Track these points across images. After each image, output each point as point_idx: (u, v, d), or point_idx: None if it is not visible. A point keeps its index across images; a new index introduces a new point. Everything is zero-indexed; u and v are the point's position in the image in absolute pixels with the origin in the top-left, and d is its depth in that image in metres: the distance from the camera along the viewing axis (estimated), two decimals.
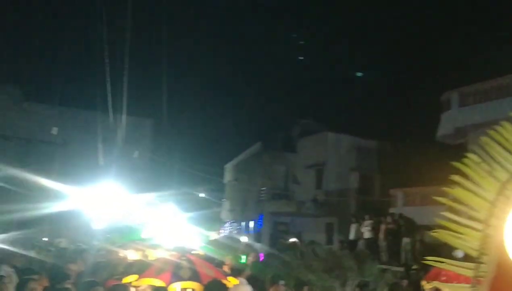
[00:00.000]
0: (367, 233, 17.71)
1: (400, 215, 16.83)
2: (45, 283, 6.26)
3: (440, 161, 18.85)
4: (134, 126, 28.53)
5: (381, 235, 16.89)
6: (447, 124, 19.19)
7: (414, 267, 13.18)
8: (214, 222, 37.16)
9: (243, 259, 14.97)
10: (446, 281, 7.86)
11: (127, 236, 17.04)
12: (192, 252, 9.40)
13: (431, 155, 19.86)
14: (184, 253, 7.57)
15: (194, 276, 6.66)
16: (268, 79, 55.56)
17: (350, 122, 29.71)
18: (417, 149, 21.87)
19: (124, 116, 21.78)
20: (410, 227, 16.25)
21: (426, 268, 11.63)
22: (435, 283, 8.02)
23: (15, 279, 6.74)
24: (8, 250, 8.10)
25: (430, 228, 18.07)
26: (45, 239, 20.97)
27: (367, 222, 17.91)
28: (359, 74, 39.05)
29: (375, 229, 17.47)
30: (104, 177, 21.12)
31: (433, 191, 18.68)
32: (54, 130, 29.92)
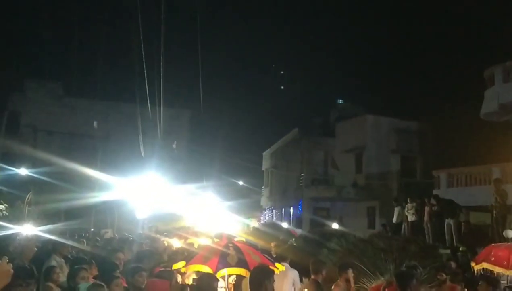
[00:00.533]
0: (410, 216, 17.38)
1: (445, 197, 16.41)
2: (95, 271, 6.42)
3: (484, 140, 18.31)
4: (173, 117, 28.91)
5: (426, 217, 16.54)
6: (491, 101, 18.52)
7: (461, 248, 12.86)
8: (254, 209, 37.38)
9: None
10: (496, 262, 7.66)
11: (170, 224, 17.36)
12: (236, 238, 9.43)
13: (475, 134, 19.29)
14: (228, 239, 7.59)
15: (241, 262, 6.67)
16: (304, 63, 55.03)
17: (389, 104, 29.06)
18: (460, 128, 21.25)
19: (162, 108, 22.04)
20: (454, 208, 15.84)
21: (474, 250, 11.36)
22: (485, 264, 7.81)
23: (66, 269, 6.94)
24: (57, 241, 8.33)
25: (476, 208, 17.68)
26: (91, 229, 21.60)
27: (410, 205, 17.56)
28: (396, 54, 38.16)
29: (418, 212, 17.13)
30: (145, 168, 21.51)
31: (478, 170, 18.18)
32: (95, 124, 30.70)
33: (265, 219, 36.05)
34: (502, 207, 13.75)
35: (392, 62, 39.38)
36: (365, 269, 8.51)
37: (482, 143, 17.96)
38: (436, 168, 21.27)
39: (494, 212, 14.00)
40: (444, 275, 7.13)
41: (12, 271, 2.83)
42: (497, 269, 7.55)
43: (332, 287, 7.72)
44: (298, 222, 29.23)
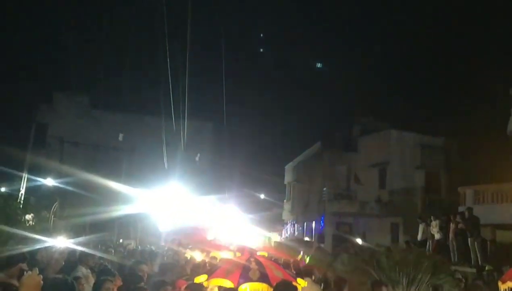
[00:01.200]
0: (435, 234, 17.10)
1: (470, 214, 16.09)
2: (119, 283, 6.49)
3: (510, 157, 17.92)
4: (196, 130, 29.14)
5: (451, 235, 16.25)
6: None
7: (487, 268, 12.59)
8: (275, 222, 37.26)
9: (307, 260, 14.93)
10: None
11: (192, 237, 17.42)
12: (258, 253, 9.43)
13: (501, 151, 18.95)
14: (250, 253, 7.58)
15: (263, 277, 6.66)
16: (327, 78, 55.00)
17: (413, 119, 28.79)
18: (486, 145, 20.90)
19: (185, 121, 22.27)
20: (479, 226, 15.54)
21: (500, 269, 11.11)
22: (511, 284, 7.65)
23: (92, 279, 7.04)
24: (83, 252, 8.46)
25: (502, 226, 17.30)
26: (118, 240, 21.81)
27: (435, 222, 17.29)
28: (422, 70, 37.87)
29: (443, 229, 16.84)
30: (168, 180, 21.71)
31: (505, 188, 17.81)
32: (121, 137, 31.16)
33: (287, 233, 35.88)
34: None
35: (418, 78, 39.09)
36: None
37: (508, 160, 17.61)
38: (461, 185, 20.93)
39: None
40: None
41: (42, 282, 2.91)
42: None
43: None
44: (320, 237, 28.99)
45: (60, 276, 5.26)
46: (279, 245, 17.21)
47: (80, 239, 13.28)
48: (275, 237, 31.84)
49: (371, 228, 27.38)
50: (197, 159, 32.56)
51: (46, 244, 9.53)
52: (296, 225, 35.61)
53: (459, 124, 25.69)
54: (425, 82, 36.18)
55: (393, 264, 8.88)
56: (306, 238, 27.79)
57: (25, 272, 2.97)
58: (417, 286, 8.59)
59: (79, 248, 9.41)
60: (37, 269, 3.02)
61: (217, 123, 34.73)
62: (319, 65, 60.49)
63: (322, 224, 30.45)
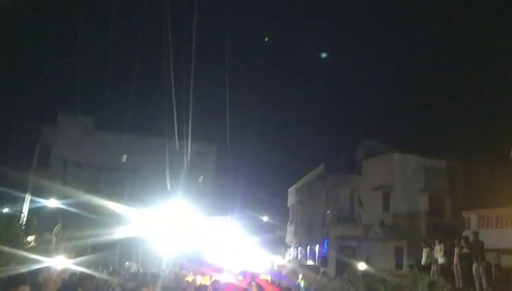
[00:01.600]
0: (440, 258, 16.90)
1: (476, 238, 15.91)
2: None
3: None
4: (199, 151, 29.17)
5: (455, 260, 16.05)
6: None
7: None
8: (279, 245, 37.02)
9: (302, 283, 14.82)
10: None
11: (194, 260, 17.31)
12: (260, 276, 9.36)
13: (507, 175, 18.85)
14: (252, 277, 7.53)
15: None
16: (330, 101, 55.29)
17: (417, 142, 28.78)
18: (491, 169, 20.81)
19: (189, 142, 22.32)
20: (481, 250, 15.36)
21: None
22: None
23: None
24: (83, 274, 8.38)
25: (507, 251, 17.11)
26: (126, 263, 21.66)
27: (439, 246, 17.10)
28: (425, 92, 37.98)
29: (447, 253, 16.65)
30: (171, 201, 21.66)
31: (510, 212, 17.68)
32: (124, 158, 31.20)
33: (290, 256, 35.58)
34: None
35: (421, 101, 39.19)
36: None
37: None
38: (466, 209, 20.81)
39: None
40: None
41: None
42: None
43: None
44: (323, 261, 28.74)
45: None
46: (282, 268, 17.08)
47: (82, 260, 13.21)
48: (278, 260, 31.59)
49: (375, 251, 27.11)
50: (200, 180, 32.50)
51: (46, 265, 9.46)
52: (299, 248, 35.32)
53: (463, 147, 25.65)
54: (429, 105, 36.24)
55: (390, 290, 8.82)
56: (310, 262, 27.56)
57: None
58: None
59: (80, 270, 9.34)
60: (28, 287, 2.98)
61: (221, 145, 34.79)
62: (322, 86, 60.85)
63: (326, 248, 30.20)
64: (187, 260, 18.04)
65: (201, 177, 32.49)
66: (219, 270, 13.03)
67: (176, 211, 20.24)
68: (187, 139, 20.30)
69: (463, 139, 26.33)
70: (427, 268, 17.41)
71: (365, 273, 14.26)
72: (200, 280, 12.15)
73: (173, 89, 17.55)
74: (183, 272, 13.63)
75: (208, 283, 11.38)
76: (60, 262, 11.07)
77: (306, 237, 34.01)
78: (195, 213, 22.64)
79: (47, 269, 9.43)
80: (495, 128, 22.91)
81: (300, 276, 16.84)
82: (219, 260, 16.49)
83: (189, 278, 12.57)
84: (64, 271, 10.41)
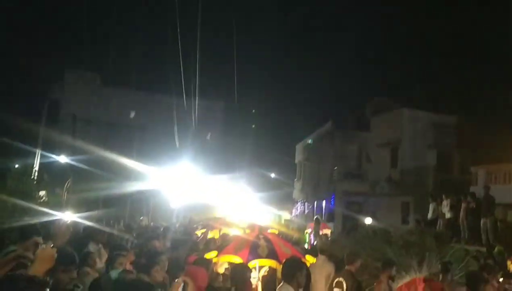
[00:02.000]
0: (447, 213, 17.06)
1: (486, 193, 15.98)
2: (132, 258, 6.58)
3: None
4: (207, 109, 29.12)
5: (462, 215, 16.21)
6: None
7: (498, 248, 12.58)
8: (286, 201, 37.43)
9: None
10: None
11: (203, 214, 17.58)
12: (269, 230, 9.50)
13: None
14: (259, 231, 7.64)
15: (272, 254, 6.72)
16: (339, 57, 54.55)
17: (426, 98, 28.50)
18: (500, 124, 20.65)
19: (196, 99, 22.26)
20: (491, 206, 15.46)
21: (510, 248, 11.10)
22: None
23: (104, 254, 7.14)
24: (94, 228, 8.55)
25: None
26: (134, 218, 22.07)
27: (446, 201, 17.23)
28: (435, 48, 37.30)
29: (454, 208, 16.79)
30: (179, 158, 21.81)
31: None
32: (132, 114, 31.28)
33: (297, 211, 36.07)
34: None
35: (430, 56, 38.57)
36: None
37: None
38: (474, 164, 20.80)
39: None
40: (486, 275, 7.00)
41: (55, 255, 2.95)
42: None
43: (375, 284, 7.73)
44: (330, 216, 29.12)
45: (69, 249, 5.35)
46: (288, 222, 17.31)
47: (93, 214, 13.46)
48: (286, 215, 32.03)
49: (381, 207, 27.38)
50: (208, 137, 32.62)
51: (58, 218, 9.65)
52: (306, 204, 35.75)
53: (473, 102, 25.38)
54: (438, 60, 35.68)
55: (397, 249, 8.90)
56: (316, 217, 27.89)
57: (39, 246, 3.01)
58: (428, 265, 8.60)
59: (91, 224, 9.54)
60: (51, 242, 3.06)
61: (229, 102, 34.70)
62: (332, 43, 59.94)
63: (332, 203, 30.54)
64: (196, 214, 18.33)
65: (209, 134, 32.60)
66: (227, 224, 13.21)
67: (185, 167, 20.42)
68: (194, 96, 20.26)
69: (472, 94, 26.04)
70: (433, 222, 17.62)
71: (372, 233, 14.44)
72: (209, 234, 12.37)
73: (179, 45, 17.37)
74: (193, 226, 13.87)
75: (217, 236, 11.60)
76: (71, 216, 11.29)
77: (313, 193, 34.34)
78: (204, 169, 22.84)
79: (58, 221, 9.63)
80: (505, 83, 22.58)
81: (309, 230, 17.10)
82: (227, 215, 16.69)
83: (199, 232, 12.80)
84: (73, 224, 10.61)
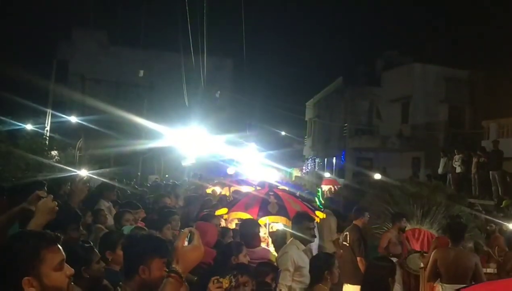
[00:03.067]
0: (457, 167, 17.05)
1: (495, 147, 15.88)
2: (142, 215, 6.66)
3: None
4: (216, 66, 28.89)
5: (473, 169, 16.20)
6: None
7: (505, 201, 12.62)
8: (296, 159, 37.59)
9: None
10: None
11: (214, 172, 17.73)
12: (279, 187, 9.55)
13: None
14: (270, 188, 7.68)
15: (282, 211, 6.77)
16: (349, 11, 53.31)
17: (438, 52, 27.95)
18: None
19: (205, 57, 22.01)
20: (500, 159, 15.43)
21: None
22: None
23: (114, 212, 7.25)
24: (105, 185, 8.63)
25: None
26: (139, 174, 22.34)
27: (458, 156, 17.18)
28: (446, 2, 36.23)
29: (465, 163, 16.76)
30: (189, 117, 21.82)
31: None
32: (141, 73, 31.15)
33: (308, 168, 36.24)
34: None
35: (442, 10, 37.55)
36: (390, 211, 8.57)
37: None
38: (486, 119, 20.59)
39: None
40: (493, 225, 7.06)
41: (57, 208, 2.95)
42: None
43: (383, 234, 7.84)
44: (340, 172, 29.20)
45: (68, 205, 5.42)
46: (299, 179, 17.41)
47: (104, 172, 13.62)
48: (297, 173, 32.21)
49: (392, 162, 27.34)
50: (217, 95, 32.49)
51: (76, 175, 9.75)
52: (316, 161, 35.85)
53: (485, 56, 24.86)
54: (449, 14, 34.76)
55: (407, 197, 8.95)
56: (327, 173, 28.01)
57: (41, 198, 3.01)
58: (432, 218, 8.67)
59: (103, 180, 9.65)
60: (51, 195, 3.06)
61: (237, 60, 34.36)
62: None
63: (343, 160, 30.57)
64: (207, 172, 18.49)
65: (218, 92, 32.45)
66: (238, 182, 13.32)
67: (195, 126, 20.45)
68: (202, 54, 20.04)
69: (484, 48, 25.47)
70: (443, 177, 17.64)
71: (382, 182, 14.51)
72: (220, 191, 12.50)
73: (187, 2, 17.03)
74: (204, 183, 14.00)
75: (228, 194, 11.72)
76: (86, 172, 11.42)
77: (323, 149, 34.38)
78: (214, 127, 22.86)
79: (73, 178, 9.75)
80: None
81: (325, 187, 17.18)
82: (238, 172, 16.84)
83: (210, 189, 12.94)
84: (89, 180, 10.74)
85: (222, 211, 7.16)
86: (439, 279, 5.85)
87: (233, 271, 4.05)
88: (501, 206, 11.73)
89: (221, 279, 3.68)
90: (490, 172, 15.17)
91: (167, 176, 19.44)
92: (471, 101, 26.07)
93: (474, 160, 16.08)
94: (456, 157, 17.19)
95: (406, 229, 8.22)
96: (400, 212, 8.28)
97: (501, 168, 15.30)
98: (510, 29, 23.88)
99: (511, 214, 9.96)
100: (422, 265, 7.13)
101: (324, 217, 7.84)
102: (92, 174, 12.04)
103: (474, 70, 25.97)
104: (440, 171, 18.38)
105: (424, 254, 7.44)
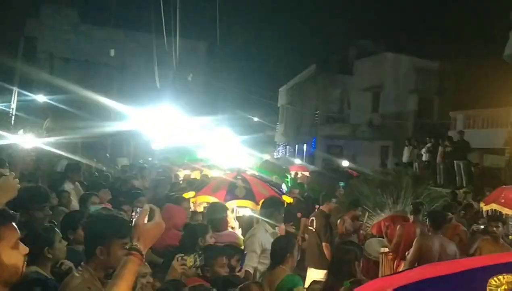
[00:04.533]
0: (424, 156, 17.44)
1: (461, 137, 16.30)
2: (108, 197, 6.60)
3: (505, 82, 17.86)
4: (189, 49, 28.52)
5: (438, 158, 16.59)
6: None
7: (464, 190, 13.00)
8: (268, 145, 37.67)
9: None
10: (505, 204, 7.73)
11: (184, 156, 17.62)
12: (247, 171, 9.59)
13: (496, 76, 18.84)
14: (238, 172, 7.70)
15: (249, 195, 6.81)
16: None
17: (409, 42, 28.28)
18: (481, 70, 20.72)
19: (178, 39, 21.72)
20: (466, 149, 15.86)
21: (483, 191, 11.43)
22: (494, 206, 7.89)
23: (80, 193, 7.15)
24: (70, 166, 8.44)
25: (491, 151, 17.61)
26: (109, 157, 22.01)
27: (424, 145, 17.59)
28: None
29: (432, 152, 17.16)
30: (160, 99, 21.57)
31: (495, 113, 17.92)
32: (112, 52, 30.54)
33: (278, 155, 36.43)
34: None
35: (416, 1, 37.96)
36: (365, 208, 8.72)
37: (503, 86, 17.54)
38: (454, 109, 21.05)
39: (508, 154, 13.98)
40: (450, 214, 7.24)
41: (18, 186, 2.89)
42: (505, 211, 7.64)
43: (338, 221, 7.99)
44: (310, 159, 29.47)
45: (36, 185, 5.33)
46: (267, 162, 17.48)
47: (73, 153, 13.37)
48: (267, 158, 32.28)
49: (361, 151, 27.77)
50: (189, 78, 32.18)
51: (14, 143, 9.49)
52: (288, 147, 36.08)
53: (454, 48, 25.29)
54: (421, 5, 35.17)
55: (374, 188, 9.11)
56: (297, 160, 28.21)
57: (1, 176, 2.94)
58: (403, 204, 8.86)
59: (68, 162, 9.47)
60: (13, 173, 2.99)
61: (211, 43, 34.00)
62: None
63: (313, 147, 30.85)
64: (177, 155, 18.37)
65: (191, 75, 32.14)
66: (208, 166, 13.29)
67: (166, 109, 20.23)
68: (175, 36, 19.78)
69: (454, 39, 25.91)
70: (409, 165, 18.03)
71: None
72: (189, 174, 12.46)
73: None
74: (173, 166, 13.92)
75: (198, 177, 11.69)
76: (31, 141, 11.16)
77: (295, 136, 34.61)
78: (185, 111, 22.66)
79: (15, 146, 9.46)
80: (488, 28, 22.46)
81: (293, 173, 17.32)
82: (208, 157, 16.77)
83: (180, 173, 12.89)
84: (35, 150, 10.51)
85: (189, 194, 7.15)
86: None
87: (198, 250, 4.08)
88: (459, 193, 12.06)
89: (185, 257, 3.69)
90: (455, 162, 15.57)
91: (141, 161, 19.22)
92: (440, 92, 26.59)
93: (440, 149, 16.46)
94: (423, 144, 17.59)
95: (380, 218, 8.40)
96: (356, 200, 8.45)
97: (466, 158, 15.72)
98: (479, 23, 24.37)
99: (470, 203, 10.27)
100: (382, 250, 7.30)
101: (292, 201, 7.93)
102: (59, 156, 11.81)
103: (444, 62, 26.45)
104: (404, 159, 18.78)
105: (381, 239, 7.63)
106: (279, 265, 4.43)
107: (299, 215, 9.20)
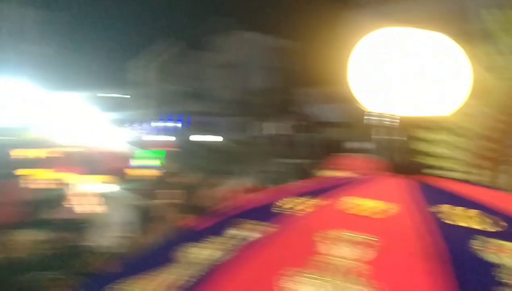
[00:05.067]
0: (272, 130, 18.33)
1: (307, 112, 17.45)
2: None
3: (342, 61, 19.32)
4: (18, 17, 26.08)
5: (294, 132, 17.53)
6: None
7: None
8: (125, 121, 36.50)
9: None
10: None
11: (21, 135, 16.24)
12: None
13: (336, 56, 20.26)
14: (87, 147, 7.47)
15: (94, 169, 6.67)
16: None
17: (262, 22, 29.24)
18: (325, 49, 22.16)
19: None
20: (315, 124, 17.01)
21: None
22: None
23: None
24: None
25: (331, 124, 19.12)
26: None
27: (274, 120, 18.47)
28: None
29: (280, 126, 18.09)
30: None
31: (335, 89, 19.40)
32: None
33: (139, 132, 35.53)
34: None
35: None
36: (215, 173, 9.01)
37: (340, 64, 18.96)
38: (305, 86, 22.28)
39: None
40: None
41: None
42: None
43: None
44: (175, 135, 29.28)
45: None
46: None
47: None
48: (127, 135, 31.33)
49: (220, 126, 28.26)
50: (26, 49, 29.15)
51: None
52: (152, 124, 35.39)
53: (303, 27, 26.61)
54: None
55: (226, 157, 9.44)
56: (161, 136, 27.90)
57: None
58: (250, 173, 9.30)
59: None
60: None
61: (46, 10, 31.00)
62: None
63: (179, 122, 30.77)
64: (16, 134, 16.88)
65: (27, 45, 29.12)
66: (48, 145, 12.49)
67: (8, 81, 18.41)
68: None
69: (305, 21, 27.29)
70: (266, 138, 18.86)
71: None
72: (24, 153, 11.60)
73: None
74: (8, 145, 12.79)
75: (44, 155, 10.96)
76: None
77: (153, 113, 34.03)
78: (32, 84, 20.88)
79: None
80: (332, 7, 23.90)
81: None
82: (51, 135, 15.62)
83: (17, 152, 11.93)
84: None
85: (25, 171, 6.76)
86: None
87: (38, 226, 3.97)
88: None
89: None
90: (310, 134, 16.62)
91: None
92: (292, 69, 27.98)
93: (288, 123, 17.46)
94: (273, 120, 18.48)
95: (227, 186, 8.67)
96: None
97: (318, 131, 16.82)
98: (323, 7, 25.89)
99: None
100: None
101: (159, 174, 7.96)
102: None
103: (296, 41, 27.79)
104: (261, 132, 19.57)
105: None
106: None
107: None
